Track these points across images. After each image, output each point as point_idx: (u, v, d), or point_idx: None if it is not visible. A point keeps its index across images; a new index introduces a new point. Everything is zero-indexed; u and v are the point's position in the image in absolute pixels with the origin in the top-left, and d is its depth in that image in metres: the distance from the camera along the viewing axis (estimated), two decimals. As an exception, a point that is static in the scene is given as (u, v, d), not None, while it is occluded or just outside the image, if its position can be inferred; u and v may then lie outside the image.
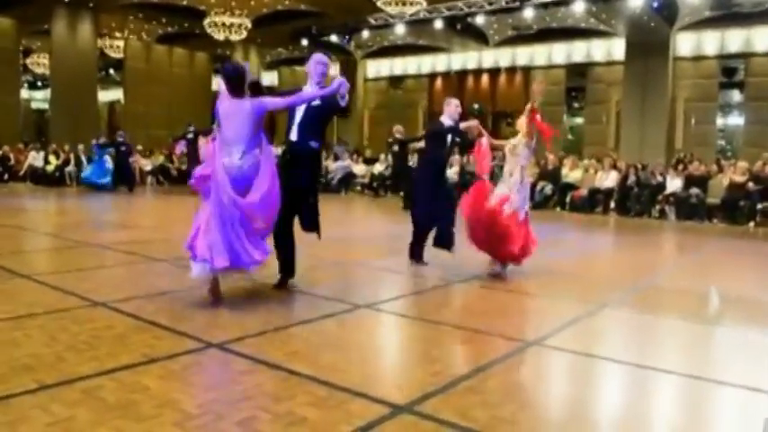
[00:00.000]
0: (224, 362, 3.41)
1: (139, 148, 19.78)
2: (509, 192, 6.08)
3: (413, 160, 14.01)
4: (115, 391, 2.92)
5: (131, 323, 4.04)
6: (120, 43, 24.34)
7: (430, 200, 6.55)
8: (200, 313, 4.35)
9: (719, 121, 20.14)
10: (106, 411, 2.70)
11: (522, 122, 6.30)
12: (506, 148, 6.39)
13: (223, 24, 19.77)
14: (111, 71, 29.09)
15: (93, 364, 3.25)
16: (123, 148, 16.70)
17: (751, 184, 12.91)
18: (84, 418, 2.64)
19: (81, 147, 17.92)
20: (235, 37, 20.19)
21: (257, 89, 4.74)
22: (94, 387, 2.96)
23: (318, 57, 5.20)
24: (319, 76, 5.10)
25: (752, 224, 12.58)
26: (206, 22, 19.90)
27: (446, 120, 6.68)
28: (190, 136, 15.46)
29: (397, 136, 14.51)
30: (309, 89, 5.07)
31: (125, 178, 16.61)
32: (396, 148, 14.77)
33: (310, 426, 2.65)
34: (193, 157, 15.47)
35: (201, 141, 15.54)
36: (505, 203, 5.97)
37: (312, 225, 5.15)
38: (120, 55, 24.43)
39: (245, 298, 4.87)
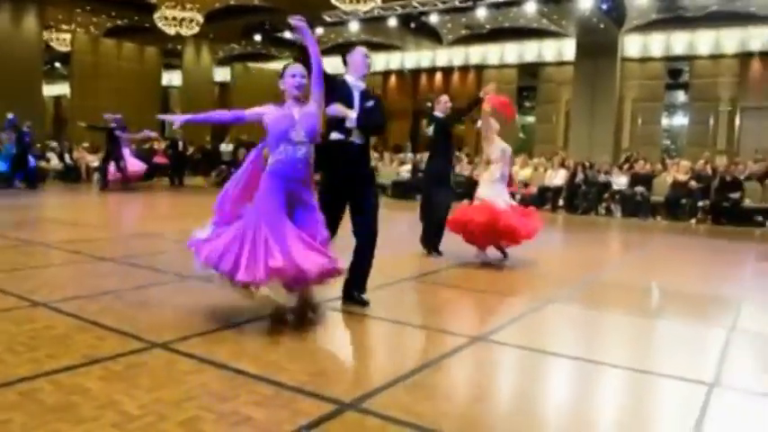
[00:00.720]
0: (168, 362, 3.36)
1: (85, 144, 19.28)
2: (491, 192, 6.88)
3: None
4: (54, 393, 2.85)
5: (73, 323, 3.94)
6: (67, 36, 23.65)
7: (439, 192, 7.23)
8: (145, 313, 4.27)
9: (665, 121, 20.73)
10: (44, 414, 2.64)
11: (483, 125, 7.05)
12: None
13: (174, 18, 19.41)
14: (58, 64, 28.30)
15: (31, 366, 3.17)
16: (27, 140, 15.49)
17: (693, 183, 13.35)
18: (20, 421, 2.57)
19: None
20: (186, 32, 19.85)
21: None
22: (33, 389, 2.89)
23: (364, 50, 4.89)
24: (365, 68, 4.80)
25: (693, 221, 13.00)
26: (156, 15, 19.49)
27: (439, 115, 7.26)
28: (116, 132, 15.11)
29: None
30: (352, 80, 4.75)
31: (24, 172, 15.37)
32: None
33: (255, 425, 2.63)
34: (111, 150, 15.21)
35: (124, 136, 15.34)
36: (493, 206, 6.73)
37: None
38: (66, 48, 23.75)
39: (191, 299, 4.81)
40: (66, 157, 18.36)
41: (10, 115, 15.53)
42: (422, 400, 2.97)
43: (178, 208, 13.03)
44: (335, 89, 4.56)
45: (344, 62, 4.84)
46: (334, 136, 4.54)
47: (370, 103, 4.61)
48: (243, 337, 3.85)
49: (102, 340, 3.64)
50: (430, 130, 7.27)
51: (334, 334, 4.31)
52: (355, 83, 4.69)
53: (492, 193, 6.89)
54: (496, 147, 7.03)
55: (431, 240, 7.23)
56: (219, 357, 3.41)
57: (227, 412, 2.74)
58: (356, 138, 4.53)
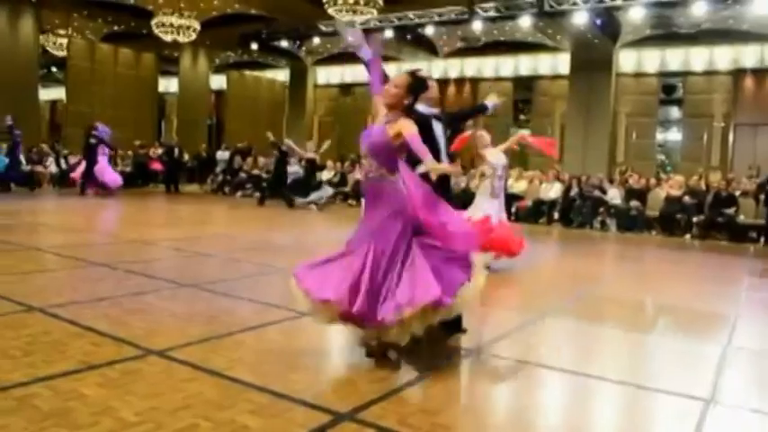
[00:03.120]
0: (165, 369, 3.36)
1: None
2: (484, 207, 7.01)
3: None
4: (50, 399, 2.85)
5: (69, 329, 3.94)
6: (64, 41, 23.64)
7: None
8: (141, 319, 4.27)
9: (659, 136, 20.88)
10: (41, 420, 2.64)
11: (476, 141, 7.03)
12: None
13: (171, 25, 19.45)
14: (54, 69, 28.26)
15: (28, 371, 3.16)
16: (18, 139, 15.63)
17: (687, 198, 13.42)
18: (17, 426, 2.57)
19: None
20: (183, 39, 19.89)
21: None
22: (29, 395, 2.88)
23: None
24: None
25: (688, 236, 13.06)
26: (153, 22, 19.55)
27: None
28: (93, 141, 15.21)
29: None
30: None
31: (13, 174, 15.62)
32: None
33: (251, 433, 2.64)
34: (91, 161, 15.26)
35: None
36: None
37: None
38: (63, 53, 23.73)
39: (188, 306, 4.81)
40: (62, 162, 18.29)
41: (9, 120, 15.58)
42: (416, 412, 2.98)
43: (173, 215, 13.01)
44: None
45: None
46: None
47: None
48: (238, 346, 3.86)
49: (98, 346, 3.63)
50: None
51: (330, 344, 4.32)
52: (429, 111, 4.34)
53: (485, 208, 6.97)
54: (489, 160, 7.06)
55: None
56: (215, 365, 3.41)
57: (223, 421, 2.74)
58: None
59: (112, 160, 17.12)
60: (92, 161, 15.16)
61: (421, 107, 4.75)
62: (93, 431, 2.56)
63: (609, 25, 17.86)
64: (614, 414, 3.30)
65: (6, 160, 15.59)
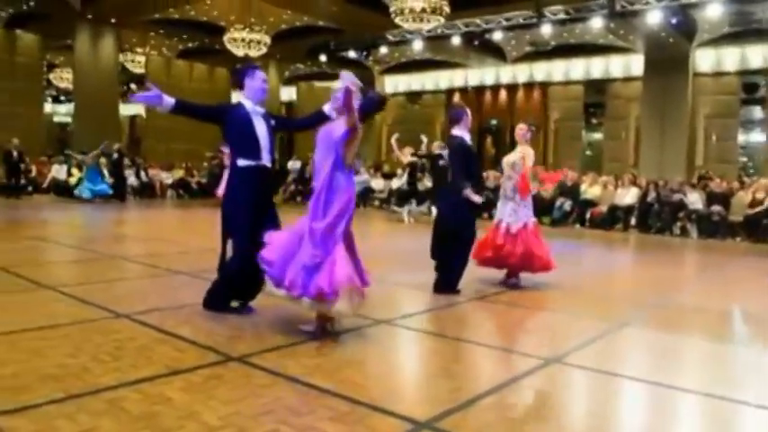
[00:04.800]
0: (244, 375, 3.42)
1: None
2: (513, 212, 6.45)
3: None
4: (138, 403, 2.95)
5: (154, 335, 4.08)
6: (142, 58, 24.70)
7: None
8: (222, 326, 4.37)
9: (741, 138, 19.98)
10: (130, 422, 2.73)
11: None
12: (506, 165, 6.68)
13: (242, 40, 19.98)
14: (133, 86, 29.50)
15: (116, 375, 3.29)
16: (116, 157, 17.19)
17: (773, 202, 12.76)
18: (108, 428, 2.67)
19: (103, 160, 18.09)
20: (254, 53, 20.40)
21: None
22: (118, 398, 3.00)
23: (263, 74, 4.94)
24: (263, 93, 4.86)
25: (775, 242, 12.41)
26: (226, 37, 20.14)
27: (464, 133, 6.11)
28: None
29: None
30: None
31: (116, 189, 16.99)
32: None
33: (332, 440, 2.66)
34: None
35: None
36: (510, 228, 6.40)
37: None
38: (141, 70, 24.78)
39: (266, 313, 4.89)
40: (142, 174, 19.05)
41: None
42: (496, 422, 2.93)
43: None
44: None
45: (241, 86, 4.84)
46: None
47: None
48: (315, 353, 3.89)
49: (182, 352, 3.74)
50: None
51: (407, 352, 4.31)
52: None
53: (499, 211, 6.61)
54: (506, 161, 6.69)
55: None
56: (293, 372, 3.46)
57: (303, 427, 2.77)
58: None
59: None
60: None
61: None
62: (179, 434, 2.64)
63: (684, 24, 17.24)
64: (698, 427, 3.16)
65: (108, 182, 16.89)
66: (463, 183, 5.79)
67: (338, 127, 4.28)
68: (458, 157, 5.94)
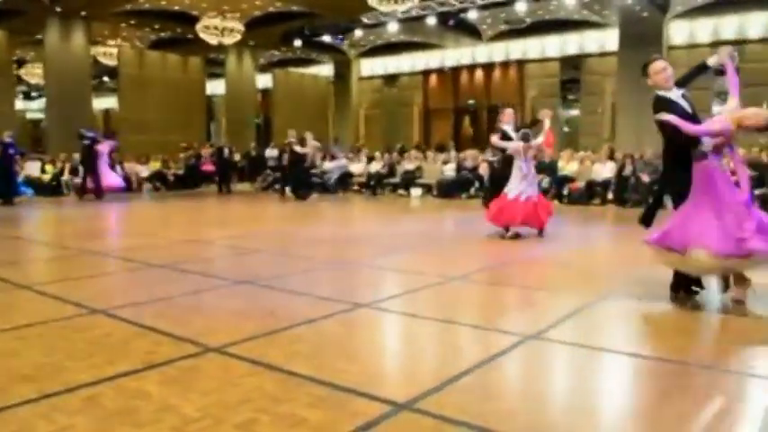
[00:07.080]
0: (223, 365, 3.40)
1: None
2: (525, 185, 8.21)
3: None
4: (115, 398, 2.92)
5: (130, 329, 4.04)
6: (114, 50, 24.30)
7: None
8: (199, 317, 4.34)
9: (716, 108, 20.10)
10: (106, 418, 2.70)
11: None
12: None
13: (215, 28, 19.74)
14: (106, 78, 29.08)
15: (93, 372, 3.25)
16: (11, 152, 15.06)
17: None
18: (84, 425, 2.64)
19: (76, 155, 17.77)
20: (227, 40, 20.17)
21: None
22: (95, 395, 2.96)
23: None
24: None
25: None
26: (198, 26, 19.87)
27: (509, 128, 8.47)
28: (86, 142, 15.71)
29: None
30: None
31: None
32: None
33: (311, 426, 2.64)
34: (88, 164, 15.83)
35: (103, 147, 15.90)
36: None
37: None
38: (113, 62, 24.41)
39: (243, 301, 4.87)
40: (118, 168, 18.80)
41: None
42: (476, 400, 2.93)
43: (226, 214, 13.22)
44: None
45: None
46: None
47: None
48: (295, 340, 3.88)
49: (159, 345, 3.71)
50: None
51: (387, 335, 4.31)
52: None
53: (516, 187, 8.14)
54: (512, 144, 8.29)
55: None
56: (273, 360, 3.44)
57: (283, 414, 2.76)
58: None
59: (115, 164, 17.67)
60: (93, 167, 15.74)
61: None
62: (156, 428, 2.61)
63: (658, -4, 17.27)
64: (685, 397, 3.19)
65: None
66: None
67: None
68: None
